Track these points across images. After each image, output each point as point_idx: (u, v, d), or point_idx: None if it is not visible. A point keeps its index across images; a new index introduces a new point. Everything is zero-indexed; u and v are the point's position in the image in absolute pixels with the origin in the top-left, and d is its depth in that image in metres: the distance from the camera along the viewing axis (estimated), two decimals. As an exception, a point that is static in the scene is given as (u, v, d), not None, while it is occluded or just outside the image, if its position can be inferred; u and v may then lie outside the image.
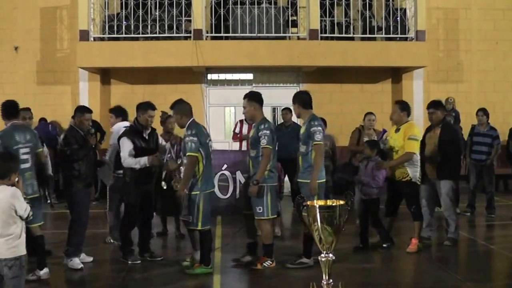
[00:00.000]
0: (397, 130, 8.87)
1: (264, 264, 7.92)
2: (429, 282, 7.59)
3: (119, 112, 9.91)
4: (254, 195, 7.81)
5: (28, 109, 9.03)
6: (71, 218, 8.32)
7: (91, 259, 8.49)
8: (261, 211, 7.85)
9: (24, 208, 5.24)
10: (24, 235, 5.37)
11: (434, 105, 9.21)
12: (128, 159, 8.17)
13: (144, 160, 8.17)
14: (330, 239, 3.84)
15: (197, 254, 7.95)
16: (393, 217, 9.31)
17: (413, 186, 8.79)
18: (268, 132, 7.89)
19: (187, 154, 7.56)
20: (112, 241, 9.45)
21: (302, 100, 8.21)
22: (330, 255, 3.87)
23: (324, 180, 8.04)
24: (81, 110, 8.53)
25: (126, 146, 8.19)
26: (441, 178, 8.97)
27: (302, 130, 8.14)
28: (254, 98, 8.23)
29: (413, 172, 8.71)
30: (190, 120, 7.84)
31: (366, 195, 9.03)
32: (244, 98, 8.25)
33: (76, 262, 8.08)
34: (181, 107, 7.93)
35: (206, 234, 7.77)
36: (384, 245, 8.91)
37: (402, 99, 15.75)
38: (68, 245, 8.17)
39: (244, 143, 13.61)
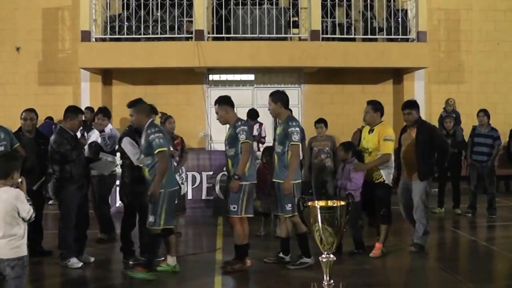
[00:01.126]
0: (371, 131, 8.68)
1: (234, 267, 7.82)
2: (430, 283, 7.60)
3: (109, 114, 10.02)
4: (235, 190, 7.68)
5: (32, 110, 8.97)
6: (60, 219, 8.28)
7: (92, 259, 8.48)
8: (235, 209, 7.74)
9: (27, 210, 5.25)
10: (26, 236, 5.38)
11: (409, 106, 9.04)
12: (141, 158, 8.14)
13: None
14: (331, 240, 3.85)
15: (171, 259, 7.87)
16: (375, 220, 8.99)
17: (386, 188, 8.59)
18: (245, 127, 7.86)
19: (158, 150, 7.40)
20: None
21: (284, 99, 8.15)
22: (331, 255, 3.89)
23: (300, 180, 8.01)
24: (75, 112, 8.47)
25: (131, 146, 8.18)
26: (421, 179, 8.74)
27: (278, 131, 8.07)
28: (224, 102, 8.07)
29: (387, 174, 8.55)
30: (151, 120, 7.77)
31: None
32: (215, 104, 8.11)
33: (74, 261, 8.07)
34: (142, 107, 7.82)
35: (156, 237, 7.59)
36: (355, 251, 8.68)
37: (404, 100, 15.84)
38: (60, 248, 8.17)
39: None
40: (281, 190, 7.85)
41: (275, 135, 8.32)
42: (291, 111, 8.51)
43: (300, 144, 8.12)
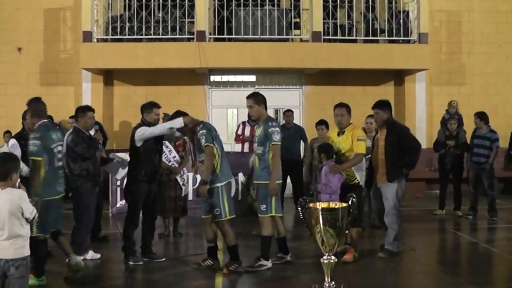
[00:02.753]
0: (341, 132, 8.51)
1: (230, 268, 7.80)
2: (431, 285, 7.60)
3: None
4: (203, 196, 7.66)
5: None
6: (75, 217, 8.40)
7: (98, 256, 8.62)
8: (218, 212, 7.72)
9: (31, 211, 5.26)
10: (29, 236, 5.40)
11: (377, 105, 8.88)
12: (157, 128, 8.25)
13: (179, 122, 8.05)
14: (333, 241, 3.86)
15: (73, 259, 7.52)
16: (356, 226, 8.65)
17: (359, 190, 8.37)
18: (205, 131, 7.75)
19: (31, 158, 7.16)
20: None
21: (265, 101, 8.08)
22: (332, 257, 3.89)
23: (281, 181, 8.03)
24: (83, 110, 8.67)
25: (145, 130, 8.25)
26: (389, 181, 8.58)
27: (258, 132, 8.02)
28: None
29: (360, 175, 8.43)
30: (41, 121, 7.43)
31: (325, 201, 8.59)
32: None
33: (77, 260, 8.09)
34: (35, 107, 7.57)
35: (42, 243, 7.22)
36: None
37: (405, 101, 15.91)
38: (71, 244, 8.22)
39: (247, 145, 13.63)
40: (263, 191, 7.81)
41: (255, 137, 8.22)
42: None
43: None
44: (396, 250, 8.75)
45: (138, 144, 8.28)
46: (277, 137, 7.79)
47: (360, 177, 8.42)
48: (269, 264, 7.93)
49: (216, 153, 7.80)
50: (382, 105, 8.87)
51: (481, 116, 12.25)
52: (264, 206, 7.83)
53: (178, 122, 8.01)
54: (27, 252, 5.33)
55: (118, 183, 11.94)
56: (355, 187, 8.33)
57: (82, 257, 8.19)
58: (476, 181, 12.26)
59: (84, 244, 8.42)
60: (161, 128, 8.27)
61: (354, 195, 4.20)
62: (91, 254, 8.58)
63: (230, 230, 7.85)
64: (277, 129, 7.86)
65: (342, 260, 8.23)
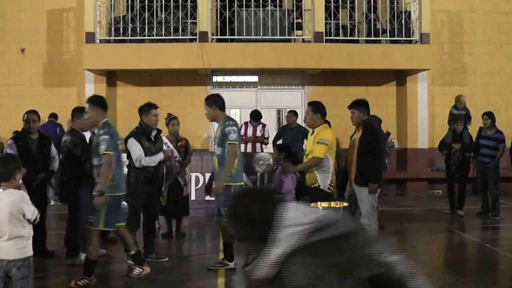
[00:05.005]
0: (312, 133, 8.26)
1: (79, 282, 7.27)
2: (434, 284, 7.61)
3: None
4: (100, 207, 7.12)
5: (34, 112, 9.05)
6: (69, 219, 8.44)
7: (104, 251, 8.69)
8: (92, 220, 7.19)
9: (32, 211, 5.30)
10: (30, 237, 5.43)
11: (354, 105, 8.57)
12: (144, 159, 8.14)
13: (159, 156, 8.25)
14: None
15: None
16: None
17: (317, 194, 7.82)
18: (107, 137, 7.17)
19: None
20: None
21: (219, 102, 7.95)
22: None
23: (242, 183, 7.83)
24: (80, 111, 8.57)
25: (136, 147, 8.22)
26: (358, 184, 8.15)
27: (218, 133, 7.91)
28: (95, 102, 7.51)
29: (323, 178, 7.97)
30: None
31: None
32: (87, 103, 7.55)
33: (79, 260, 8.20)
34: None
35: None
36: None
37: (407, 101, 15.92)
38: (67, 246, 8.27)
39: (249, 145, 13.70)
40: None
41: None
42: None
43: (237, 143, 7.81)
44: None
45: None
46: (233, 136, 7.64)
47: (322, 180, 8.01)
48: (232, 264, 7.89)
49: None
50: (356, 104, 8.60)
51: (491, 116, 12.28)
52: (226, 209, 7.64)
53: (159, 157, 8.26)
54: (28, 252, 5.36)
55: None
56: (314, 191, 8.00)
57: (84, 255, 8.27)
58: (483, 181, 12.31)
59: (80, 245, 8.42)
60: (147, 161, 8.19)
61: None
62: None
63: (97, 244, 7.38)
64: (234, 128, 7.72)
65: None
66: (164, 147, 9.23)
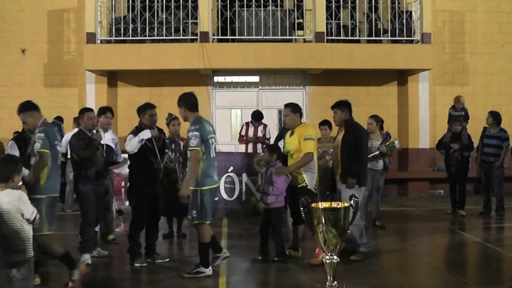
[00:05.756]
0: (292, 133, 8.36)
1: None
2: (435, 284, 7.60)
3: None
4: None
5: None
6: (81, 216, 8.51)
7: (106, 253, 8.81)
8: (37, 227, 6.44)
9: (31, 211, 5.27)
10: (30, 237, 5.40)
11: (336, 105, 8.61)
12: (130, 144, 8.19)
13: (145, 134, 8.20)
14: (335, 241, 3.87)
15: None
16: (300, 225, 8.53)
17: (307, 193, 7.88)
18: (42, 135, 7.07)
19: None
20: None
21: (188, 102, 7.76)
22: (335, 257, 3.91)
23: (211, 186, 7.59)
24: (83, 112, 8.69)
25: (133, 140, 8.26)
26: (343, 182, 8.32)
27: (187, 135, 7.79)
28: (28, 107, 7.40)
29: (310, 178, 8.18)
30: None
31: (267, 203, 8.34)
32: (21, 112, 7.43)
33: (85, 258, 8.21)
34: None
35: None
36: (276, 259, 8.28)
37: (408, 101, 15.90)
38: (80, 242, 8.34)
39: (250, 145, 13.70)
40: (192, 197, 7.52)
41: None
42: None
43: (200, 149, 7.45)
44: (369, 250, 8.57)
45: (131, 153, 8.35)
46: (193, 142, 7.39)
47: (309, 180, 8.16)
48: (208, 271, 7.63)
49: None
50: (339, 104, 8.64)
51: (495, 116, 12.26)
52: (194, 212, 7.52)
53: (146, 134, 8.20)
54: (29, 253, 5.33)
55: (122, 183, 11.97)
56: (302, 190, 8.08)
57: (90, 255, 8.33)
58: (487, 180, 12.29)
59: (92, 242, 8.51)
60: (133, 142, 8.22)
61: (356, 195, 4.21)
62: (98, 251, 8.74)
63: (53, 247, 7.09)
64: (195, 133, 7.42)
65: (309, 262, 8.11)
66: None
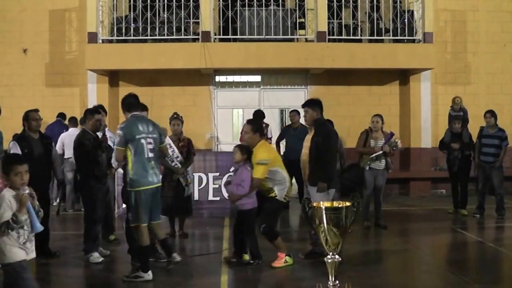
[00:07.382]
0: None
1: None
2: (436, 284, 7.59)
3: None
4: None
5: (37, 111, 9.08)
6: (85, 215, 8.59)
7: (108, 252, 8.83)
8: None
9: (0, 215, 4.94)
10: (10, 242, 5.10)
11: (308, 104, 8.58)
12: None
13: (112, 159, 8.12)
14: (336, 241, 3.86)
15: None
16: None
17: (273, 203, 8.01)
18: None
19: None
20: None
21: (124, 103, 7.83)
22: (336, 256, 3.90)
23: (145, 187, 7.39)
24: (90, 113, 8.82)
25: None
26: (310, 184, 8.24)
27: None
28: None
29: (280, 189, 8.03)
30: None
31: (238, 205, 8.20)
32: None
33: (96, 256, 8.39)
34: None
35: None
36: (252, 262, 8.14)
37: (410, 101, 15.88)
38: (85, 242, 8.36)
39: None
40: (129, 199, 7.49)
41: None
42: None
43: (122, 149, 7.38)
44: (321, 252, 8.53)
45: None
46: (116, 140, 7.45)
47: (278, 191, 8.03)
48: (146, 276, 7.38)
49: None
50: (312, 103, 8.60)
51: (494, 115, 12.24)
52: (130, 214, 7.51)
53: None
54: (8, 259, 5.03)
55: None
56: (270, 200, 8.03)
57: (97, 254, 8.44)
58: (485, 180, 12.26)
59: (97, 242, 8.60)
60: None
61: (359, 195, 4.20)
62: (100, 251, 8.72)
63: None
64: (119, 132, 7.39)
65: (272, 265, 8.02)
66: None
